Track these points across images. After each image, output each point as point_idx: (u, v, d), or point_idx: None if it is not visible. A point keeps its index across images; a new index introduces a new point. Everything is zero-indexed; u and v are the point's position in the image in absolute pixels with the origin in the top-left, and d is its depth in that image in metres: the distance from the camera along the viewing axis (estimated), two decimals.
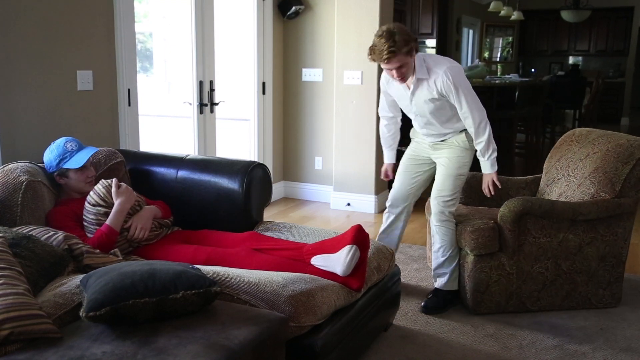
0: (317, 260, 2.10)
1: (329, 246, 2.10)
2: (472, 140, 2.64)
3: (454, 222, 2.72)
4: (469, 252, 2.66)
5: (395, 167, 3.02)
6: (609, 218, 2.71)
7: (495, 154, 2.60)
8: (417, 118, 2.73)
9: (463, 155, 2.69)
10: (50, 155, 2.36)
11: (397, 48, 2.34)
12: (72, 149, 2.35)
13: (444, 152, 2.72)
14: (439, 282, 2.78)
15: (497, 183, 2.64)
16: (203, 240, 2.38)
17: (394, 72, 2.45)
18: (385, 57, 2.37)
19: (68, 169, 2.34)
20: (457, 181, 2.69)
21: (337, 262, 2.04)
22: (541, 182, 3.14)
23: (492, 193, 2.67)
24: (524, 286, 2.70)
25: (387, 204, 2.96)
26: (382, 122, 2.95)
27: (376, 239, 2.92)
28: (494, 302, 2.69)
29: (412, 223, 4.26)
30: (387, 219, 2.95)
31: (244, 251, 2.19)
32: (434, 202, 2.72)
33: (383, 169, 3.06)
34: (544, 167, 3.14)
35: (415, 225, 4.15)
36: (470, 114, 2.54)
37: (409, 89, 2.58)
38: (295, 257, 2.17)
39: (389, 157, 3.03)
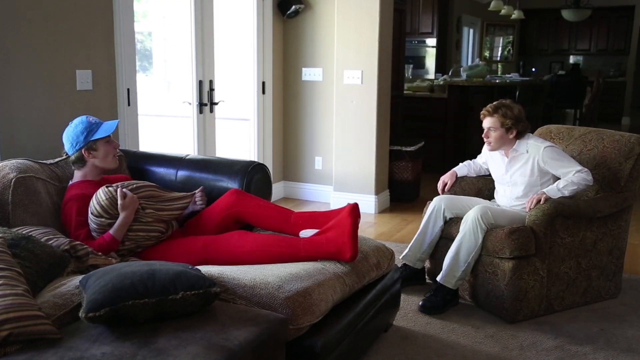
0: (308, 234, 2.12)
1: (321, 221, 2.12)
2: None
3: (479, 231, 2.63)
4: (507, 255, 2.57)
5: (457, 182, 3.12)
6: (615, 212, 2.77)
7: (567, 194, 2.63)
8: (507, 189, 2.88)
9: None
10: (75, 131, 2.31)
11: (494, 112, 2.75)
12: (95, 121, 2.35)
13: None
14: (439, 275, 2.73)
15: (542, 200, 2.63)
16: (194, 225, 2.38)
17: (485, 130, 2.80)
18: (483, 111, 2.81)
19: (97, 141, 2.30)
20: (510, 219, 2.71)
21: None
22: None
23: (531, 207, 2.65)
24: (553, 288, 2.71)
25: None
26: (468, 163, 3.15)
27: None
28: (529, 309, 2.66)
29: (412, 223, 4.26)
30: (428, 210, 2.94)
31: (235, 235, 2.20)
32: (480, 206, 2.70)
33: (444, 176, 3.10)
34: None
35: (416, 225, 4.15)
36: (566, 170, 2.67)
37: (507, 158, 2.83)
38: (284, 228, 2.21)
39: (460, 171, 3.12)
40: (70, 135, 2.32)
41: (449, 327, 2.62)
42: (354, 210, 2.13)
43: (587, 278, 2.79)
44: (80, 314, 1.56)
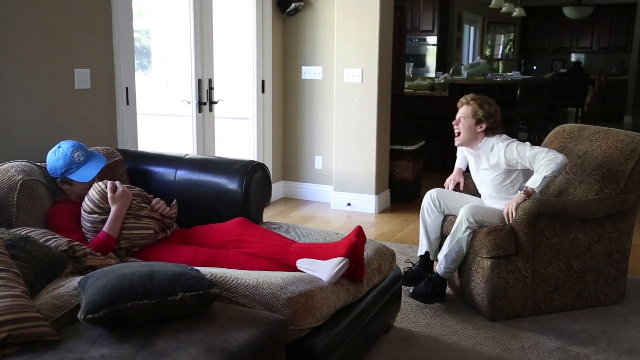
0: (304, 263, 2.04)
1: (320, 252, 2.03)
2: None
3: (467, 230, 2.61)
4: (485, 254, 2.57)
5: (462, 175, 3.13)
6: (614, 215, 2.72)
7: (549, 174, 2.54)
8: (482, 188, 2.90)
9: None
10: (55, 163, 2.28)
11: (470, 101, 2.78)
12: (79, 159, 2.28)
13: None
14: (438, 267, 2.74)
15: (513, 213, 2.58)
16: (195, 237, 2.35)
17: (457, 118, 2.82)
18: (461, 99, 2.85)
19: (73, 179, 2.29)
20: (500, 217, 2.68)
21: (325, 270, 1.97)
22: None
23: (511, 219, 2.60)
24: (539, 289, 2.68)
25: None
26: (460, 151, 3.10)
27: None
28: (511, 308, 2.65)
29: (413, 223, 4.25)
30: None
31: (242, 255, 2.16)
32: (469, 205, 2.70)
33: (452, 177, 3.09)
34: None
35: (416, 225, 4.14)
36: (538, 152, 2.60)
37: (472, 157, 2.86)
38: (282, 259, 2.10)
39: (462, 164, 3.11)
40: (51, 162, 2.30)
41: (450, 328, 2.61)
42: (359, 236, 2.05)
43: (581, 281, 2.74)
44: (79, 316, 1.55)
